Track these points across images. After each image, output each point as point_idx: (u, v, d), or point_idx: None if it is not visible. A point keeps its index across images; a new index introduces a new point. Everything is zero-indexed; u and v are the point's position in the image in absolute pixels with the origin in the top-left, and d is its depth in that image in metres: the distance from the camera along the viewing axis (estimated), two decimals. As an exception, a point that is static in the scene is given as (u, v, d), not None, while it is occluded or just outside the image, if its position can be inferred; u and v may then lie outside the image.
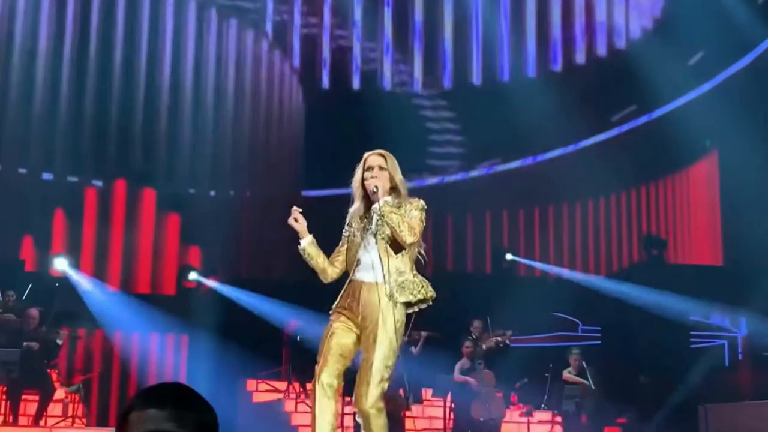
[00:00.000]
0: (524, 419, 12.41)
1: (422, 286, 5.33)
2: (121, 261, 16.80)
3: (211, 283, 16.28)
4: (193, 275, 16.32)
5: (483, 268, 18.56)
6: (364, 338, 5.25)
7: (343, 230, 5.52)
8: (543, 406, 12.87)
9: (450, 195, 18.19)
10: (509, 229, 18.95)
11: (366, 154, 5.47)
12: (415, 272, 5.37)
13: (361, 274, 5.34)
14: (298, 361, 12.81)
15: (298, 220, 5.41)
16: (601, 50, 19.21)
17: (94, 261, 16.68)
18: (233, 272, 16.92)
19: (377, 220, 5.32)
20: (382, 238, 5.30)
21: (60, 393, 11.84)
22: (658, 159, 18.18)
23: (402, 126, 16.92)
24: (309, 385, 12.56)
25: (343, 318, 5.33)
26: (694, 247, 18.47)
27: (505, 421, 12.19)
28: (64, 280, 15.26)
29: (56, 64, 17.14)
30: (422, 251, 5.46)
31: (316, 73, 18.77)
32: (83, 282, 15.54)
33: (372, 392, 5.13)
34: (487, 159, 19.08)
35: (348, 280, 5.40)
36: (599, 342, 16.04)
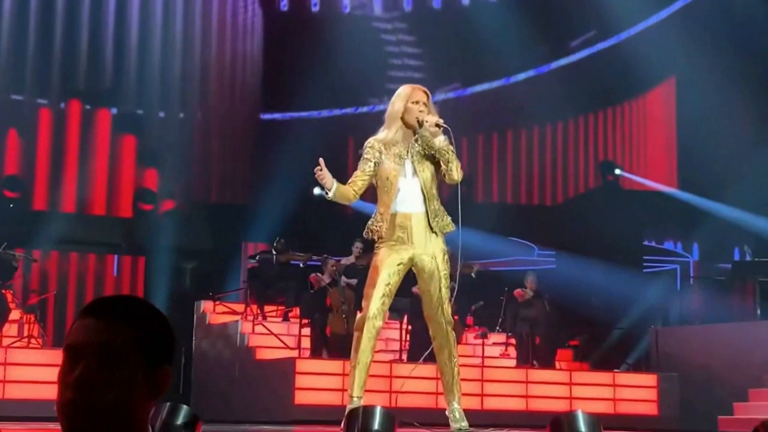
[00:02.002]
0: (479, 341, 12.56)
1: (445, 214, 5.69)
2: (77, 182, 16.59)
3: (168, 205, 16.21)
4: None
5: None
6: (422, 268, 5.58)
7: (365, 154, 5.63)
8: (497, 328, 13.05)
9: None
10: (469, 155, 18.97)
11: (410, 88, 5.64)
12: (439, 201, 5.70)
13: (406, 206, 5.56)
14: (256, 284, 12.85)
15: (323, 170, 5.49)
16: (562, -26, 19.05)
17: (49, 182, 16.48)
18: (190, 195, 16.82)
19: (425, 150, 5.52)
20: (428, 168, 5.56)
21: (15, 314, 11.80)
22: (616, 84, 18.20)
23: (361, 49, 16.78)
24: (267, 307, 12.72)
25: (393, 254, 5.53)
26: (649, 172, 18.61)
27: (461, 343, 12.34)
28: (19, 201, 15.11)
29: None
30: None
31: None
32: (38, 203, 15.40)
33: (448, 310, 5.64)
34: (447, 83, 19.00)
35: (390, 212, 5.55)
36: (554, 266, 16.23)
